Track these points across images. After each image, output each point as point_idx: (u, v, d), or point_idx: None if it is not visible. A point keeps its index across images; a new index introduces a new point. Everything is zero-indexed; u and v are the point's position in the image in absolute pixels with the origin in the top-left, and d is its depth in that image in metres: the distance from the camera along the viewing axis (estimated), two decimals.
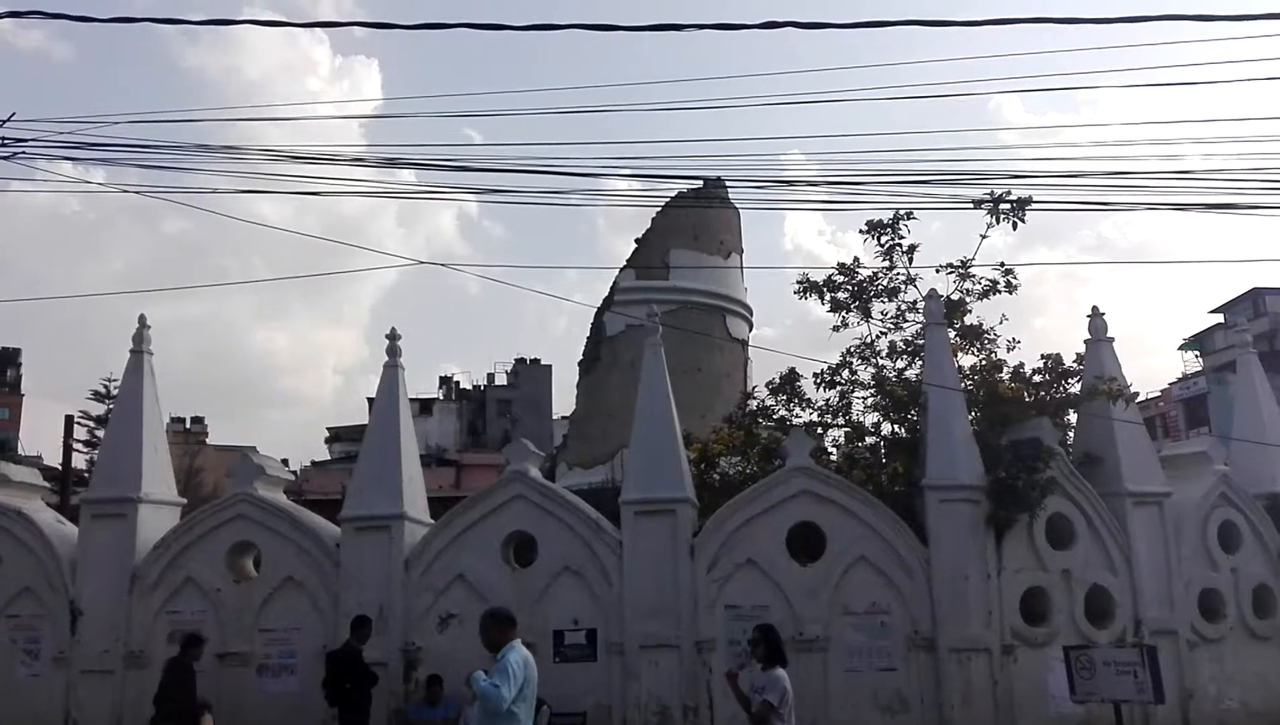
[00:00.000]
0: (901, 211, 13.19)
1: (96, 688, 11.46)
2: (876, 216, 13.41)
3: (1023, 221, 12.47)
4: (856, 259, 13.88)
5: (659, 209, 23.91)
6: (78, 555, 11.88)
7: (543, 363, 62.65)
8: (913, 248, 13.54)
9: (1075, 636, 11.36)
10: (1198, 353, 52.10)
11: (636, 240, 25.95)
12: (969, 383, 12.97)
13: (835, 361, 13.63)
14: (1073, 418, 13.26)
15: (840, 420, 13.73)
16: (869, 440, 13.73)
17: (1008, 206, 12.16)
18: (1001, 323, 13.56)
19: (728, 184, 16.94)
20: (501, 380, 63.71)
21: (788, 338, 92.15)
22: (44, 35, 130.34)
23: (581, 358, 26.04)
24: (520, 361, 62.98)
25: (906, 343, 13.56)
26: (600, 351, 25.13)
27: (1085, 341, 13.09)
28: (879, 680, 11.24)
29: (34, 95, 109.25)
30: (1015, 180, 11.40)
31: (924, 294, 13.04)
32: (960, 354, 13.27)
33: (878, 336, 13.75)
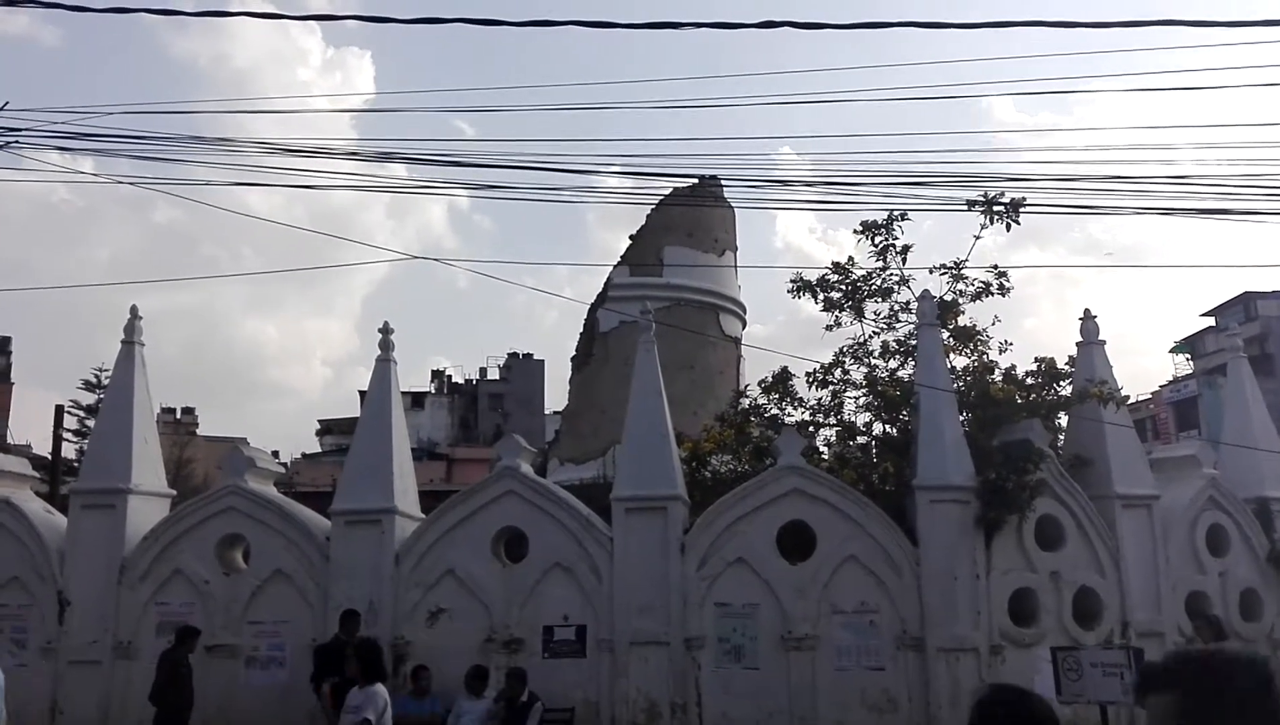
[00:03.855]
0: (895, 212, 13.23)
1: (84, 678, 11.43)
2: (870, 217, 13.47)
3: (1017, 223, 12.52)
4: (851, 258, 13.92)
5: (654, 206, 23.89)
6: (66, 545, 11.85)
7: (535, 357, 62.61)
8: (906, 248, 13.60)
9: (1063, 638, 11.40)
10: (1189, 355, 52.30)
11: (631, 237, 25.91)
12: (961, 384, 13.00)
13: (828, 361, 13.68)
14: (1063, 420, 13.31)
15: (832, 420, 13.76)
16: (860, 440, 13.77)
17: (1000, 208, 12.20)
18: (994, 324, 13.64)
19: (722, 183, 16.93)
20: (494, 374, 63.66)
21: (779, 335, 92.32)
22: (31, 20, 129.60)
23: (574, 353, 26.02)
24: (513, 356, 62.91)
25: (899, 343, 13.62)
26: (593, 347, 25.09)
27: (1077, 344, 13.14)
28: (867, 679, 11.27)
29: (21, 81, 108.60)
30: (1008, 182, 11.45)
31: (917, 295, 13.08)
32: (952, 355, 13.30)
33: (870, 336, 13.81)
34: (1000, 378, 13.12)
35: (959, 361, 13.44)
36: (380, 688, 7.41)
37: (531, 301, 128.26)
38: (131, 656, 11.44)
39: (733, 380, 23.46)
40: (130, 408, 12.38)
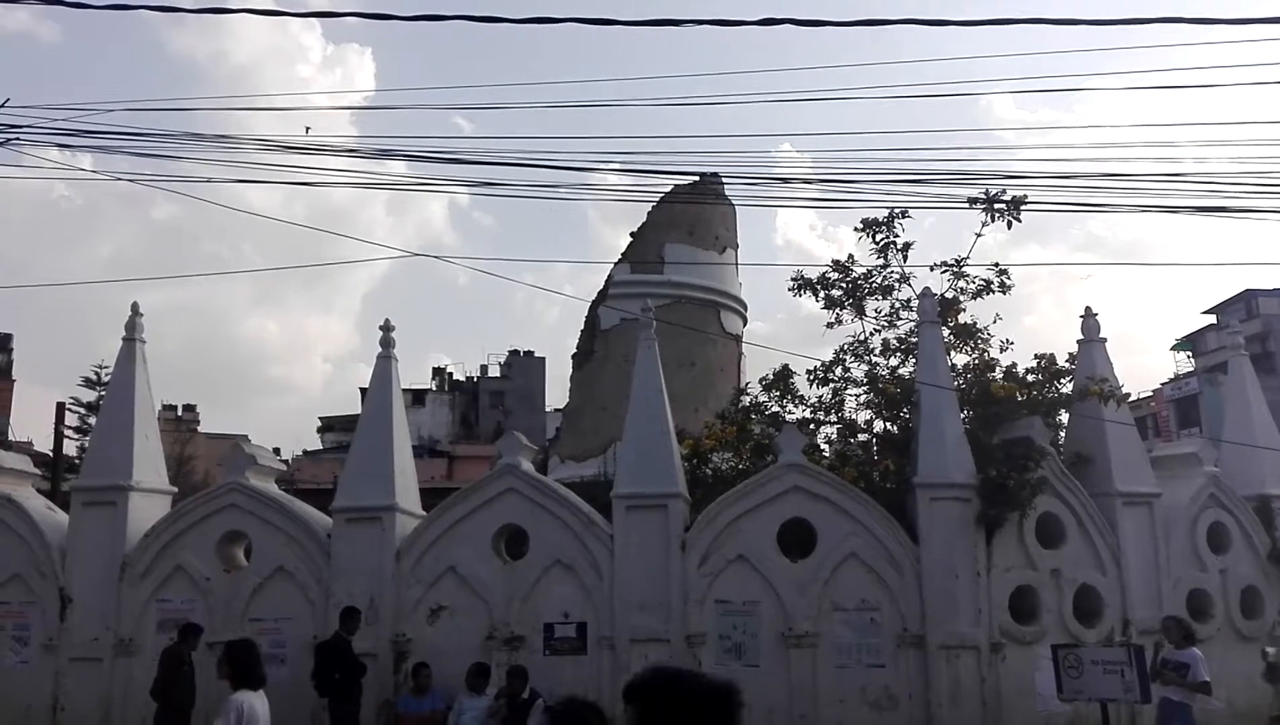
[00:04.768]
0: (896, 210, 13.24)
1: (85, 676, 11.44)
2: (871, 214, 13.48)
3: (1018, 221, 12.53)
4: (851, 256, 13.94)
5: (655, 203, 23.88)
6: (68, 543, 11.85)
7: (536, 355, 62.63)
8: (907, 246, 13.61)
9: (1063, 635, 11.40)
10: (1190, 353, 52.29)
11: (632, 234, 25.92)
12: (962, 381, 13.00)
13: (829, 359, 13.69)
14: (1064, 417, 13.31)
15: (833, 417, 13.77)
16: (861, 437, 13.77)
17: (1002, 206, 12.21)
18: (995, 322, 13.64)
19: (723, 180, 16.93)
20: (495, 371, 63.67)
21: (779, 332, 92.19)
22: (30, 16, 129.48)
23: (575, 351, 26.03)
24: (514, 353, 62.91)
25: (900, 341, 13.62)
26: (594, 344, 25.09)
27: (1078, 342, 13.14)
28: (868, 677, 11.27)
29: (20, 77, 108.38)
30: (1009, 180, 11.45)
31: (918, 292, 13.07)
32: (953, 352, 13.31)
33: (871, 334, 13.82)
34: (1001, 375, 13.12)
35: (960, 359, 13.46)
36: (238, 696, 6.38)
37: (532, 298, 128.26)
38: (133, 653, 11.45)
39: (734, 378, 23.47)
40: (131, 405, 12.38)
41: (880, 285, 13.74)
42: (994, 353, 13.51)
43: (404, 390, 14.17)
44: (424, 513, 12.43)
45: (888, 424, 13.47)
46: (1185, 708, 9.52)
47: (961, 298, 13.60)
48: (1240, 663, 12.06)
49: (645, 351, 12.55)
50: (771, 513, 11.68)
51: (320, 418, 64.43)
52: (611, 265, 25.40)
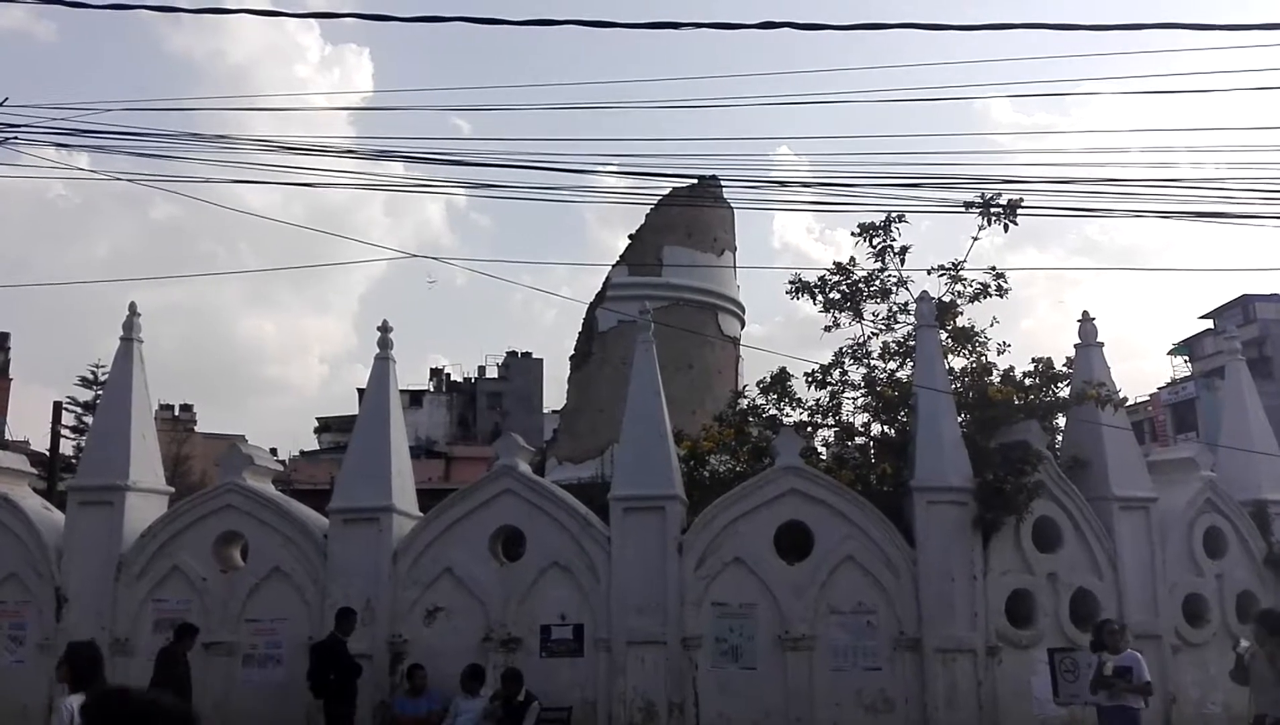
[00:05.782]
0: (893, 214, 13.25)
1: None
2: (868, 218, 13.49)
3: (1014, 224, 12.55)
4: (852, 258, 13.94)
5: (653, 206, 23.89)
6: (64, 542, 11.84)
7: (534, 356, 62.60)
8: (904, 249, 13.63)
9: (1060, 639, 11.42)
10: (1187, 358, 52.28)
11: (630, 236, 25.93)
12: (959, 385, 13.01)
13: (827, 362, 13.70)
14: (1061, 421, 13.32)
15: (830, 420, 13.77)
16: (859, 441, 13.78)
17: (998, 210, 12.23)
18: (992, 325, 13.67)
19: (721, 183, 16.93)
20: (492, 373, 63.64)
21: (776, 335, 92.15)
22: (26, 14, 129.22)
23: (573, 352, 26.02)
24: (511, 354, 62.89)
25: (898, 344, 13.64)
26: (592, 346, 25.09)
27: (1075, 346, 13.15)
28: (864, 680, 11.27)
29: (17, 76, 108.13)
30: (1006, 184, 11.47)
31: (915, 296, 13.09)
32: (951, 356, 13.32)
33: (869, 337, 13.83)
34: (998, 379, 13.14)
35: (957, 363, 13.46)
36: (74, 698, 5.92)
37: (530, 300, 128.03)
38: (129, 653, 11.43)
39: (731, 380, 23.47)
40: (128, 404, 12.37)
41: (878, 289, 13.75)
42: (991, 356, 13.55)
43: (401, 391, 14.16)
44: (421, 514, 12.42)
45: (885, 427, 13.49)
46: (1135, 711, 9.41)
47: (959, 301, 13.63)
48: None
49: (643, 353, 12.56)
50: (768, 515, 11.67)
51: (317, 418, 64.41)
52: (609, 267, 25.40)
